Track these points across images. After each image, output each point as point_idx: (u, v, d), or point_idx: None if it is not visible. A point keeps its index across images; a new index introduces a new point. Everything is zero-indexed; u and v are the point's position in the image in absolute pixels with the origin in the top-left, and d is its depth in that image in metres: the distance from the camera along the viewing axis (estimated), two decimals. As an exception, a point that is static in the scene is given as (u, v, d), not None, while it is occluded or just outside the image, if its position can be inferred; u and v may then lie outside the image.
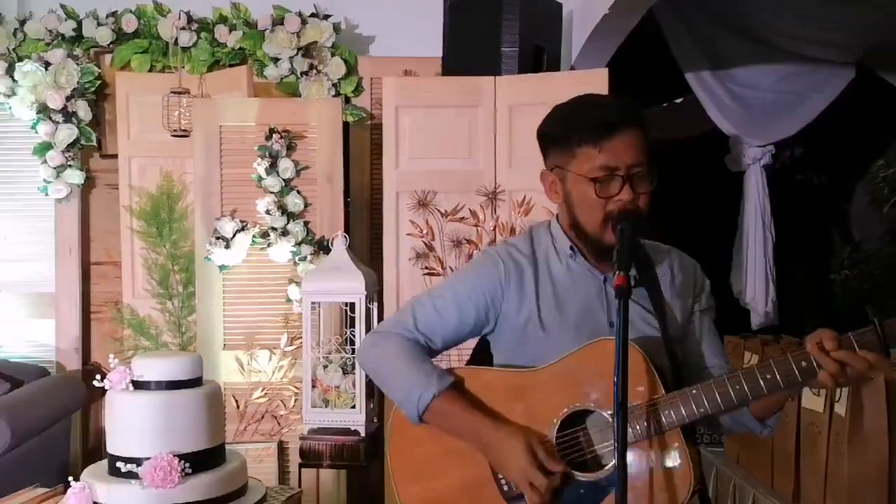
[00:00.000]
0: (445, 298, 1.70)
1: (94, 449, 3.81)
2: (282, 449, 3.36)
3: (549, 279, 1.65)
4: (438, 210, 3.14)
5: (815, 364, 1.46)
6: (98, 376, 2.07)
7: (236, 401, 3.35)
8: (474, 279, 1.70)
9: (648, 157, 1.57)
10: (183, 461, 1.98)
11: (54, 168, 3.79)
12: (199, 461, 2.02)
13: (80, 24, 3.85)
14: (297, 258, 3.37)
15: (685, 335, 1.69)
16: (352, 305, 2.90)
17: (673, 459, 1.51)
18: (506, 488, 1.58)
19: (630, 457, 1.47)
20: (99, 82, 3.85)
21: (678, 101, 5.38)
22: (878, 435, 2.48)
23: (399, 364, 1.65)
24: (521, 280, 1.65)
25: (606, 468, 1.53)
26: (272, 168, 3.35)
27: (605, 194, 1.55)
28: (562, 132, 1.61)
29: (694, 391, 1.50)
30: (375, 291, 3.04)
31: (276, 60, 3.78)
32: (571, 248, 1.65)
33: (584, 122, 1.58)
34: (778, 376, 1.48)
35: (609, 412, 1.53)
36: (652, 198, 1.59)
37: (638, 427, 1.51)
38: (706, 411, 1.50)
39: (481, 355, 1.77)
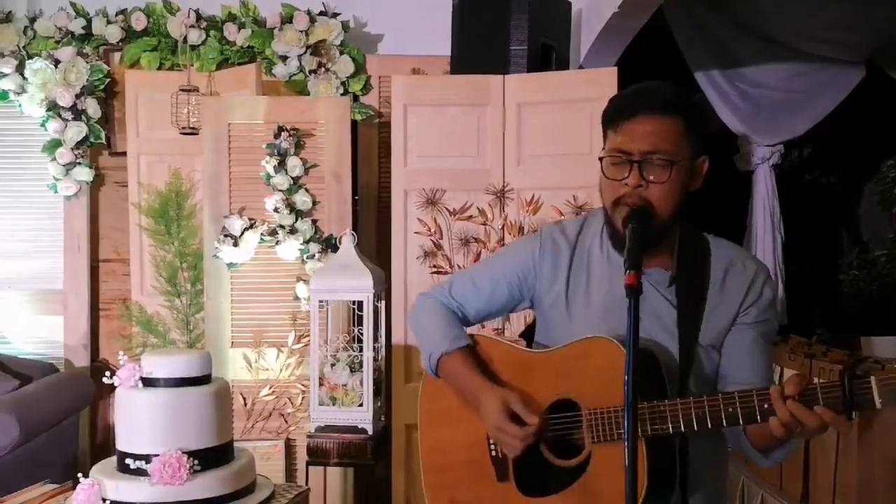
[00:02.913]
0: (482, 272, 1.80)
1: (102, 445, 3.83)
2: (289, 447, 3.37)
3: (584, 265, 1.67)
4: (447, 208, 3.14)
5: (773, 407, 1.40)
6: (107, 373, 2.07)
7: (244, 398, 3.35)
8: (511, 256, 1.77)
9: (676, 147, 1.52)
10: (191, 458, 1.98)
11: (63, 165, 3.81)
12: (208, 458, 2.02)
13: (89, 21, 3.86)
14: (305, 256, 3.37)
15: (724, 344, 1.62)
16: (359, 304, 2.90)
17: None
18: (492, 451, 1.66)
19: (598, 452, 1.52)
20: (108, 80, 3.86)
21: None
22: (887, 436, 2.47)
23: (426, 322, 1.79)
24: (556, 262, 1.68)
25: (577, 458, 1.56)
26: (280, 166, 3.35)
27: (615, 176, 1.55)
28: (604, 115, 1.62)
29: (661, 407, 1.48)
30: (383, 290, 3.04)
31: (284, 58, 3.79)
32: (611, 235, 1.63)
33: (616, 104, 1.60)
34: (739, 411, 1.43)
35: (589, 408, 1.54)
36: (675, 192, 1.53)
37: (606, 428, 1.52)
38: (668, 430, 1.47)
39: (532, 327, 1.83)
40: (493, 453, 1.66)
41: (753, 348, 1.62)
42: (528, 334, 1.83)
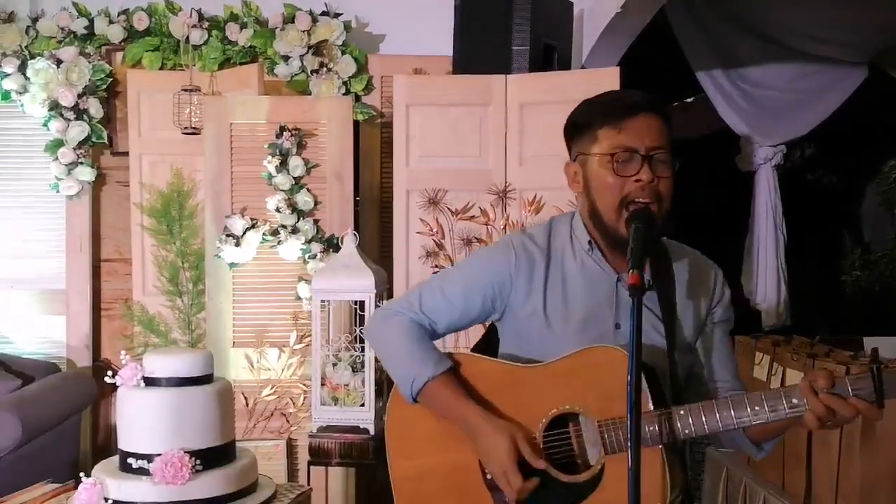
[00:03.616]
0: (454, 284, 1.70)
1: (104, 445, 3.83)
2: (291, 447, 3.37)
3: (560, 274, 1.63)
4: (448, 208, 3.14)
5: (803, 402, 1.43)
6: (109, 373, 2.07)
7: (246, 398, 3.35)
8: (484, 267, 1.69)
9: (670, 145, 1.56)
10: (193, 458, 1.97)
11: (65, 165, 3.81)
12: (210, 458, 2.02)
13: (91, 21, 3.86)
14: (306, 256, 3.37)
15: (696, 345, 1.65)
16: (361, 304, 2.89)
17: (650, 471, 1.47)
18: (489, 477, 1.59)
19: (611, 465, 1.49)
20: (110, 80, 3.86)
21: (689, 100, 5.36)
22: (890, 437, 2.47)
23: (399, 344, 1.68)
24: (531, 273, 1.63)
25: (587, 472, 1.53)
26: (282, 166, 3.35)
27: (624, 173, 1.53)
28: (586, 118, 1.62)
29: (682, 411, 1.47)
30: (385, 290, 3.04)
31: (286, 58, 3.79)
32: (590, 241, 1.62)
33: (607, 105, 1.60)
34: (766, 409, 1.44)
35: (597, 419, 1.52)
36: (672, 189, 1.56)
37: (621, 438, 1.49)
38: (691, 433, 1.47)
39: (489, 338, 1.76)
40: (489, 478, 1.58)
41: (721, 347, 1.67)
42: (483, 347, 1.77)
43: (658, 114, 1.57)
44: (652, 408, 1.49)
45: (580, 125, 1.63)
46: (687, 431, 1.47)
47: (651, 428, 1.47)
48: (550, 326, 1.61)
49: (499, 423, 1.55)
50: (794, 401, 1.44)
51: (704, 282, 1.66)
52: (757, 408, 1.45)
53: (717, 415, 1.46)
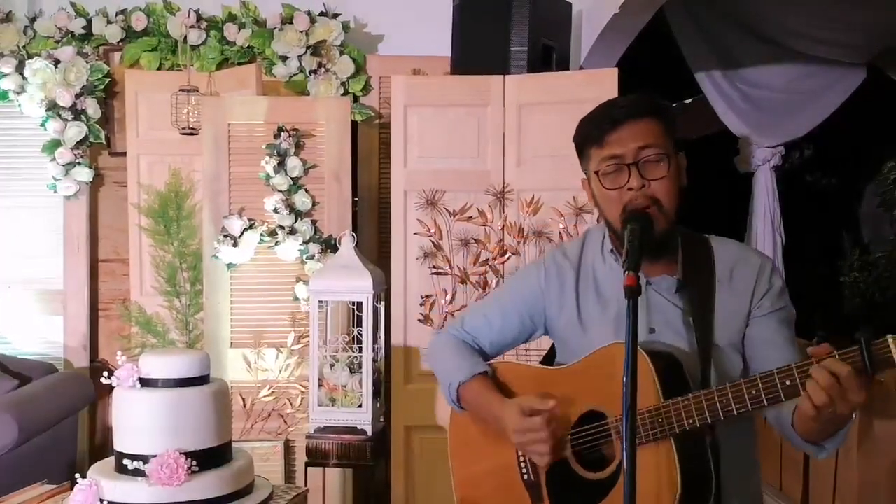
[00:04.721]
0: (492, 305, 1.83)
1: (101, 446, 3.82)
2: (288, 447, 3.36)
3: (591, 281, 1.69)
4: (446, 209, 3.13)
5: (798, 384, 1.39)
6: (106, 373, 2.06)
7: (243, 399, 3.35)
8: (518, 286, 1.80)
9: (664, 143, 1.56)
10: (190, 459, 1.97)
11: (63, 165, 3.80)
12: (206, 459, 2.01)
13: (89, 21, 3.86)
14: (304, 257, 3.37)
15: (745, 341, 1.62)
16: (359, 304, 2.89)
17: (656, 468, 1.48)
18: (524, 475, 1.64)
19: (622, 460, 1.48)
20: (108, 80, 3.86)
21: (687, 101, 5.37)
22: (888, 439, 2.47)
23: (441, 356, 1.81)
24: (562, 284, 1.71)
25: (608, 469, 1.55)
26: (280, 166, 3.35)
27: (614, 185, 1.56)
28: (578, 139, 1.66)
29: (685, 401, 1.47)
30: (383, 290, 3.04)
31: (284, 59, 3.78)
32: (612, 250, 1.69)
33: (590, 124, 1.62)
34: (762, 393, 1.42)
35: (615, 416, 1.54)
36: (675, 187, 1.56)
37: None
38: (694, 423, 1.46)
39: (550, 352, 1.85)
40: (525, 476, 1.65)
41: (776, 338, 1.61)
42: (548, 360, 1.83)
43: (645, 116, 1.56)
44: (662, 399, 1.49)
45: (577, 146, 1.67)
46: (690, 421, 1.45)
47: (650, 422, 1.48)
48: (586, 331, 1.66)
49: (511, 400, 1.63)
50: (788, 383, 1.39)
51: (747, 274, 1.63)
52: (753, 392, 1.42)
53: (717, 401, 1.44)
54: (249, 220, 3.36)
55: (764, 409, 1.46)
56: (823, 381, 1.34)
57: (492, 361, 1.78)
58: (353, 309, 2.95)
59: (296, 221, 3.36)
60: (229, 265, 3.37)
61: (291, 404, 3.36)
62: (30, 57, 3.82)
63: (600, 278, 1.68)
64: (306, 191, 3.38)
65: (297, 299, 3.36)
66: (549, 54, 3.31)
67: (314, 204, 3.39)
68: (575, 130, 1.68)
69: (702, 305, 1.59)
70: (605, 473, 1.55)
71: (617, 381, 1.49)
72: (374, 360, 2.92)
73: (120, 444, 2.04)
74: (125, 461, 2.00)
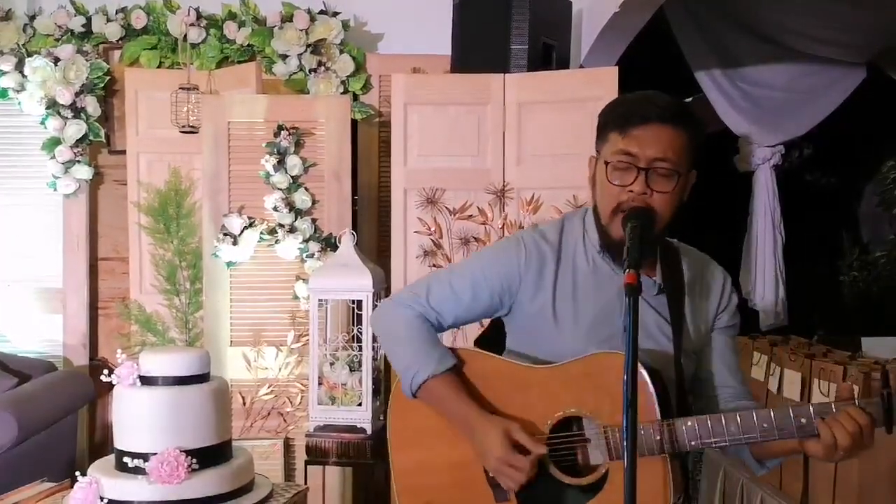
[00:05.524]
0: (463, 277, 1.69)
1: (100, 444, 3.82)
2: (288, 446, 3.36)
3: (570, 274, 1.62)
4: (446, 207, 3.13)
5: (813, 424, 1.42)
6: (105, 371, 2.06)
7: (243, 397, 3.35)
8: (494, 262, 1.67)
9: (680, 158, 1.52)
10: (190, 457, 1.97)
11: (63, 163, 3.80)
12: (206, 457, 2.01)
13: (89, 19, 3.86)
14: (304, 255, 3.37)
15: (702, 350, 1.65)
16: (359, 303, 2.89)
17: (652, 478, 1.47)
18: (490, 473, 1.59)
19: (615, 470, 1.48)
20: (108, 78, 3.86)
21: (687, 100, 5.36)
22: (888, 439, 2.46)
23: (403, 338, 1.67)
24: (541, 271, 1.62)
25: (591, 475, 1.53)
26: (280, 165, 3.35)
27: (618, 181, 1.53)
28: (605, 117, 1.60)
29: (689, 423, 1.46)
30: (383, 289, 3.03)
31: (284, 57, 3.78)
32: (600, 251, 1.62)
33: (623, 107, 1.58)
34: (775, 426, 1.43)
35: (602, 423, 1.52)
36: (674, 203, 1.54)
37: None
38: (697, 445, 1.46)
39: (495, 334, 1.76)
40: (490, 475, 1.58)
41: (727, 352, 1.66)
42: (484, 342, 1.76)
43: (674, 125, 1.52)
44: (659, 416, 1.48)
45: (601, 123, 1.62)
46: (693, 443, 1.46)
47: (656, 438, 1.46)
48: (559, 326, 1.60)
49: (494, 418, 1.56)
50: (803, 421, 1.42)
51: (713, 287, 1.65)
52: (765, 425, 1.43)
53: (725, 428, 1.45)
54: (249, 218, 3.36)
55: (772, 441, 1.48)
56: (851, 428, 1.40)
57: (456, 349, 1.67)
58: (353, 307, 2.95)
59: (296, 220, 3.36)
60: (229, 263, 3.37)
61: (291, 403, 3.36)
62: (30, 55, 3.82)
63: (580, 278, 1.62)
64: (306, 189, 3.38)
65: (296, 298, 3.36)
66: (549, 53, 3.31)
67: (314, 202, 3.39)
68: (606, 106, 1.62)
69: (675, 309, 1.58)
70: (588, 480, 1.53)
71: (606, 391, 1.49)
72: (374, 359, 2.92)
73: (120, 442, 2.04)
74: (125, 459, 2.00)
